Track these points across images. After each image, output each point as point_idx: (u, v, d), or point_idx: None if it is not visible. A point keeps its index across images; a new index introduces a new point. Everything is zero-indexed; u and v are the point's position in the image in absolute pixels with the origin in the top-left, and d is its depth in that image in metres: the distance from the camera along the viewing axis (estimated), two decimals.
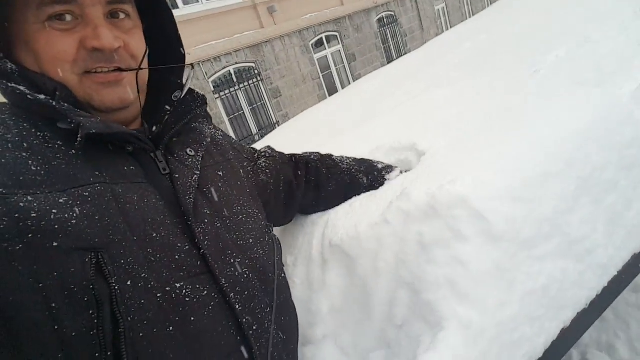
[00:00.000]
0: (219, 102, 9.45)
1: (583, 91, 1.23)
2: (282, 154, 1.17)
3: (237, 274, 0.75)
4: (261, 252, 0.84)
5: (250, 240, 0.83)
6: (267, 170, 1.06)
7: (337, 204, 1.16)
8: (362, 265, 0.97)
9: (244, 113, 10.02)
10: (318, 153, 1.21)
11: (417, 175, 1.05)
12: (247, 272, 0.78)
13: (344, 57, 12.50)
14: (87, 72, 0.70)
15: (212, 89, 9.34)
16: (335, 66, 12.31)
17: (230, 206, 0.83)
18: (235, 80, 9.86)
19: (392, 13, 14.12)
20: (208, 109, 0.95)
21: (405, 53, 13.96)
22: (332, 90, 11.89)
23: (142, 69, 0.77)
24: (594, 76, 2.13)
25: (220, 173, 0.88)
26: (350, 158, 1.21)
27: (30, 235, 0.56)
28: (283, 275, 0.92)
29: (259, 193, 0.99)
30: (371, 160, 1.24)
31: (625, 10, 5.09)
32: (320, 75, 11.78)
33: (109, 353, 0.58)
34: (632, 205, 1.14)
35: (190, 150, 0.83)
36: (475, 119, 1.33)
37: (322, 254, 1.03)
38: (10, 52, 0.69)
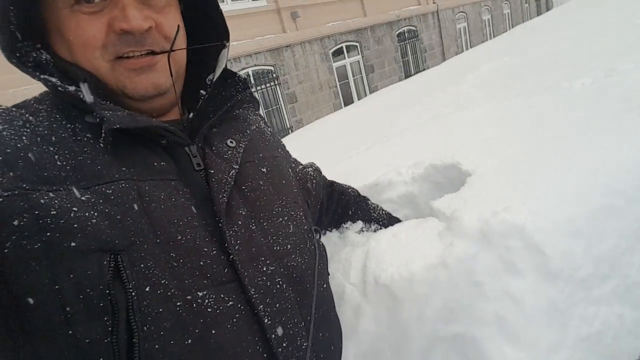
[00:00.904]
0: None
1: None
2: (324, 177, 1.12)
3: (269, 283, 0.68)
4: (300, 259, 0.76)
5: (289, 246, 0.74)
6: (314, 181, 1.01)
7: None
8: (408, 310, 0.87)
9: None
10: (357, 190, 1.16)
11: (465, 199, 0.97)
12: (281, 282, 0.70)
13: (362, 67, 12.46)
14: (119, 57, 0.66)
15: None
16: (353, 76, 12.28)
17: (270, 207, 0.76)
18: (253, 81, 9.86)
19: (414, 28, 14.10)
20: None
21: (424, 69, 13.92)
22: (348, 100, 11.85)
23: (174, 50, 0.70)
24: (622, 107, 2.04)
25: (264, 169, 0.80)
26: (384, 211, 1.16)
27: (49, 234, 0.52)
28: (325, 285, 0.83)
29: (305, 198, 0.93)
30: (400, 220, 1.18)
31: None
32: (338, 84, 11.75)
33: None
34: None
35: (230, 142, 0.76)
36: (521, 142, 1.25)
37: (363, 291, 0.92)
38: (46, 42, 0.67)
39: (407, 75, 13.46)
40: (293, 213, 0.80)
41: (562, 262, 0.83)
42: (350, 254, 0.99)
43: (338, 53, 11.83)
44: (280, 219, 0.76)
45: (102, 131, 0.59)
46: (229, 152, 0.74)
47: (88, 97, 0.61)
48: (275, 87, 10.29)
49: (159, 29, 0.68)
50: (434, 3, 14.67)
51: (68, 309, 0.52)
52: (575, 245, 0.85)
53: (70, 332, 0.52)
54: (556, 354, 0.81)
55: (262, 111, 10.01)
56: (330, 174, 1.14)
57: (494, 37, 17.76)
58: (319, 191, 1.02)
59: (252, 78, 9.83)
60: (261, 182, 0.77)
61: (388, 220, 1.13)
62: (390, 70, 13.20)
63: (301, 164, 1.04)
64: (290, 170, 0.92)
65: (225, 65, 0.82)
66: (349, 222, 1.11)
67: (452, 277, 0.84)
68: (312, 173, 1.02)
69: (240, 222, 0.69)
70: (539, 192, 0.91)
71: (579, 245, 0.86)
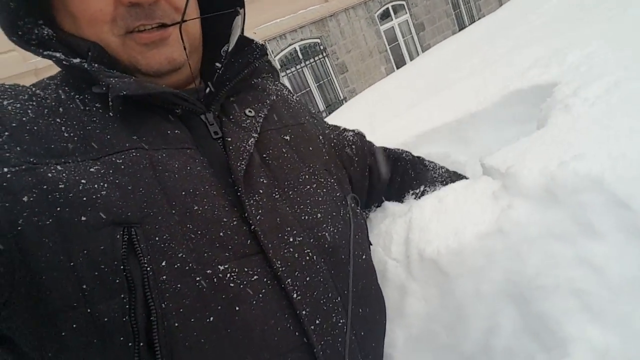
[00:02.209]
0: (285, 80, 9.38)
1: None
2: (371, 142, 1.03)
3: (296, 255, 0.63)
4: (332, 229, 0.70)
5: (319, 215, 0.69)
6: (354, 146, 0.94)
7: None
8: (462, 286, 0.75)
9: (310, 90, 9.89)
10: (411, 153, 1.06)
11: (525, 150, 0.80)
12: (311, 254, 0.65)
13: (411, 27, 11.84)
14: (129, 32, 0.63)
15: (279, 67, 9.30)
16: (403, 37, 11.71)
17: (295, 175, 0.71)
18: (301, 57, 9.74)
19: None
20: None
21: (479, 18, 12.92)
22: (400, 63, 11.37)
23: (185, 21, 0.66)
24: None
25: (287, 137, 0.76)
26: (444, 168, 1.05)
27: (59, 209, 0.51)
28: (365, 256, 0.76)
29: (344, 165, 0.88)
30: (464, 176, 1.06)
31: None
32: (387, 47, 11.28)
33: (141, 344, 0.51)
34: None
35: (249, 111, 0.73)
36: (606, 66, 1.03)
37: (407, 267, 0.81)
38: (52, 18, 0.65)
39: (461, 28, 12.58)
40: (322, 180, 0.74)
41: None
42: (390, 225, 0.87)
43: (385, 15, 11.32)
44: (308, 187, 0.71)
45: (109, 99, 0.57)
46: (248, 120, 0.71)
47: (92, 66, 0.59)
48: (323, 59, 10.09)
49: (168, 0, 0.65)
50: None
51: (85, 286, 0.50)
52: None
53: (88, 310, 0.50)
54: None
55: (313, 85, 9.90)
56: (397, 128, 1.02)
57: None
58: (363, 156, 0.95)
59: (299, 53, 9.71)
60: (284, 150, 0.73)
61: (449, 177, 1.02)
62: (442, 26, 12.43)
63: (339, 129, 0.97)
64: (321, 137, 0.85)
65: (242, 33, 0.77)
66: (410, 190, 1.01)
67: (512, 245, 0.70)
68: (351, 137, 0.94)
69: (261, 191, 0.65)
70: (620, 133, 0.73)
71: None
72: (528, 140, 0.83)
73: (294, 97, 0.90)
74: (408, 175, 1.00)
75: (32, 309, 0.50)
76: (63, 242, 0.50)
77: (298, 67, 9.63)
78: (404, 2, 11.60)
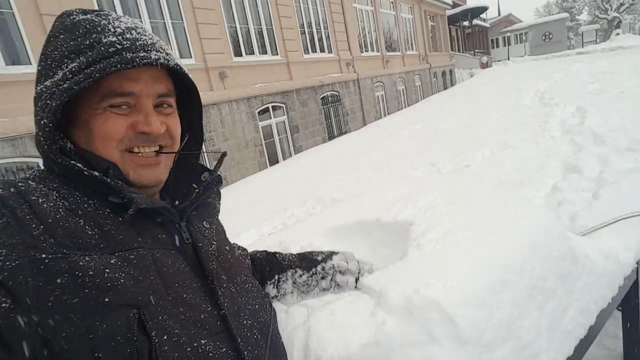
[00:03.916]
0: None
1: (529, 206, 1.42)
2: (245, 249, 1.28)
3: (249, 334, 0.85)
4: (266, 316, 0.95)
5: (256, 306, 0.93)
6: (247, 258, 1.19)
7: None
8: None
9: None
10: (265, 251, 1.29)
11: (391, 275, 1.13)
12: (257, 334, 0.88)
13: (287, 127, 12.92)
14: (130, 150, 0.80)
15: None
16: (279, 135, 12.66)
17: (238, 275, 0.94)
18: None
19: (337, 93, 15.07)
20: None
21: (346, 131, 14.77)
22: (273, 158, 12.12)
23: (179, 152, 0.90)
24: (515, 177, 2.40)
25: (227, 247, 0.98)
26: (294, 255, 1.28)
27: (86, 291, 0.64)
28: (282, 340, 1.01)
29: None
30: (312, 253, 1.29)
31: (533, 124, 5.97)
32: (263, 142, 12.01)
33: None
34: (567, 312, 1.30)
35: (205, 223, 0.92)
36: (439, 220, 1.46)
37: None
38: (66, 132, 0.80)
39: (331, 136, 14.18)
40: (253, 281, 0.99)
41: (470, 330, 1.00)
42: (292, 333, 1.10)
43: (264, 112, 12.20)
44: (247, 285, 0.95)
45: (130, 210, 0.73)
46: (207, 231, 0.91)
47: (116, 182, 0.75)
48: None
49: (168, 130, 0.85)
50: (354, 72, 15.91)
51: (99, 355, 0.63)
52: (480, 315, 1.03)
53: None
54: None
55: None
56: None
57: (408, 105, 19.57)
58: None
59: None
60: (229, 256, 0.95)
61: (300, 260, 1.25)
62: (314, 131, 13.82)
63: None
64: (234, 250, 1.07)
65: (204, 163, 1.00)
66: (268, 282, 1.21)
67: (384, 352, 0.98)
68: (242, 253, 1.20)
69: (225, 285, 0.86)
70: (450, 271, 1.10)
71: (482, 315, 1.04)
72: (394, 268, 1.17)
73: None
74: (264, 270, 1.23)
75: None
76: (85, 317, 0.63)
77: None
78: (283, 105, 12.73)
